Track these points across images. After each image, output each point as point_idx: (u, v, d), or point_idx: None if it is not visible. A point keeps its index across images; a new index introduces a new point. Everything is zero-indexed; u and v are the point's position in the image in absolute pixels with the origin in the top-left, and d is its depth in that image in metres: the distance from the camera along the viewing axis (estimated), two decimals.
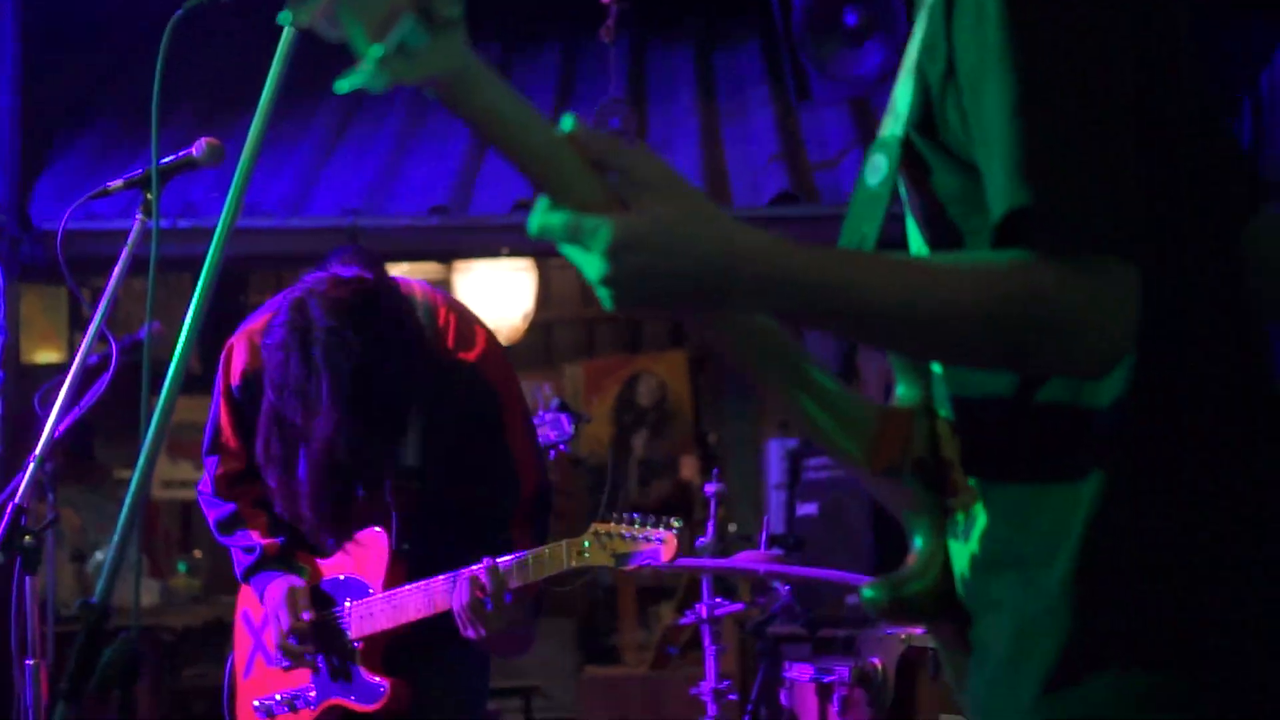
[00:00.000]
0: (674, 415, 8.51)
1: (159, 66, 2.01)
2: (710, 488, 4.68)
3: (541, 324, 8.37)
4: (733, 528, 6.59)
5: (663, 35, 7.03)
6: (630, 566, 3.08)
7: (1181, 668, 1.38)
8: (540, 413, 4.09)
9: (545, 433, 4.05)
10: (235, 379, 3.29)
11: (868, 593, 1.52)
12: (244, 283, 7.76)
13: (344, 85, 1.20)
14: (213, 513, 3.39)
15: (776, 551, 4.41)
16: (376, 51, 1.17)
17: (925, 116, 1.45)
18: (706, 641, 4.35)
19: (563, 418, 4.13)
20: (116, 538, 1.78)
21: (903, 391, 1.57)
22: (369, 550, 3.25)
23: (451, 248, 6.49)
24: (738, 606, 4.45)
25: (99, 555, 7.02)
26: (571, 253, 1.29)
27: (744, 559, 4.32)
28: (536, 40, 7.01)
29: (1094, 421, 1.40)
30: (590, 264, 1.28)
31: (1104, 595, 1.39)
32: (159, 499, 7.74)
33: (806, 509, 5.47)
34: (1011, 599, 1.44)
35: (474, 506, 3.26)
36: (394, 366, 3.08)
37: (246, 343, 3.29)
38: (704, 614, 4.31)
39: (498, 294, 7.62)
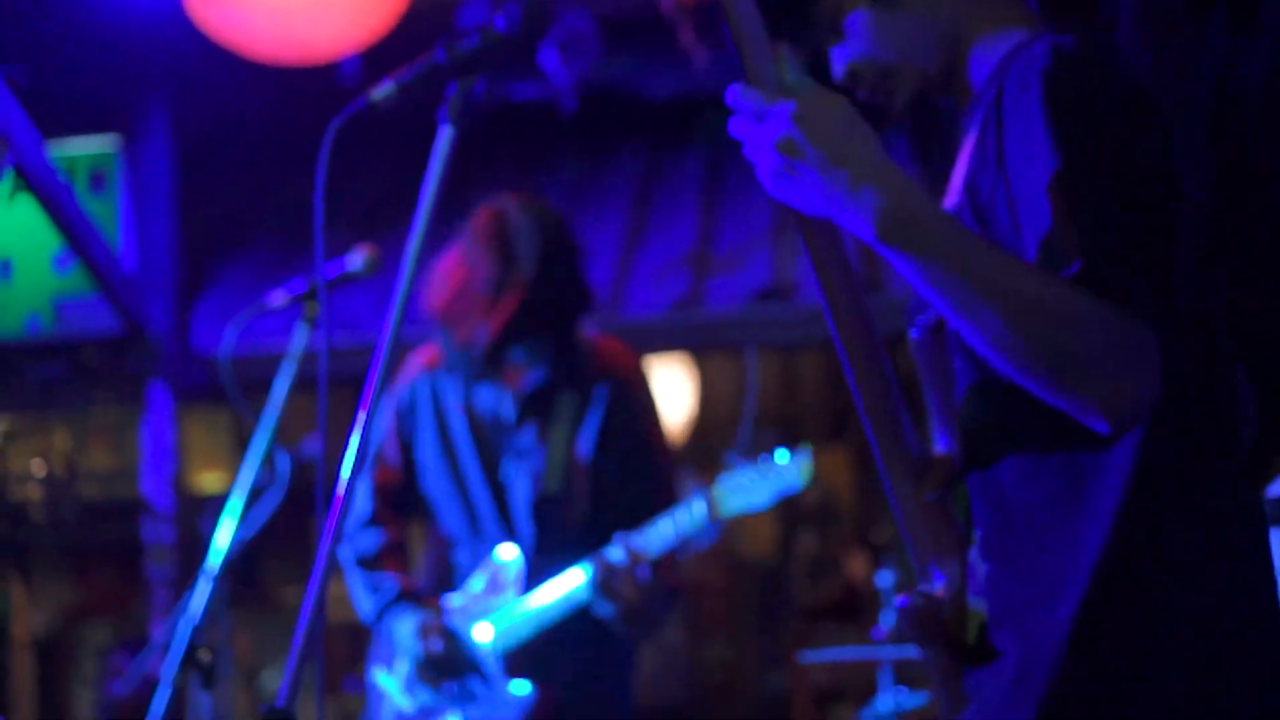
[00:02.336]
0: (838, 512, 8.36)
1: (320, 176, 1.96)
2: (882, 580, 4.59)
3: (701, 424, 8.29)
4: None
5: None
6: (775, 501, 3.14)
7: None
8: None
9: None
10: (403, 386, 3.49)
11: (907, 597, 1.66)
12: None
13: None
14: (357, 546, 3.43)
15: None
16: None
17: (972, 216, 1.61)
18: None
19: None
20: (299, 643, 1.73)
21: (944, 444, 1.75)
22: (504, 570, 3.28)
23: None
24: (920, 699, 4.31)
25: (267, 676, 7.03)
26: (750, 130, 1.55)
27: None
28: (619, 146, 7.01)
29: (1105, 480, 1.53)
30: (760, 136, 1.53)
31: (1099, 647, 1.52)
32: (329, 619, 7.75)
33: None
34: (1013, 642, 1.58)
35: (617, 519, 3.29)
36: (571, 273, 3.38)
37: (422, 357, 3.51)
38: (883, 709, 4.20)
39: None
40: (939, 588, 1.68)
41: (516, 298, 3.28)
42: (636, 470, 3.36)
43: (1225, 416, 1.60)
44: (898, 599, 1.69)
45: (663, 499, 3.29)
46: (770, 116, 1.53)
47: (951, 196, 1.70)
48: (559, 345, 3.36)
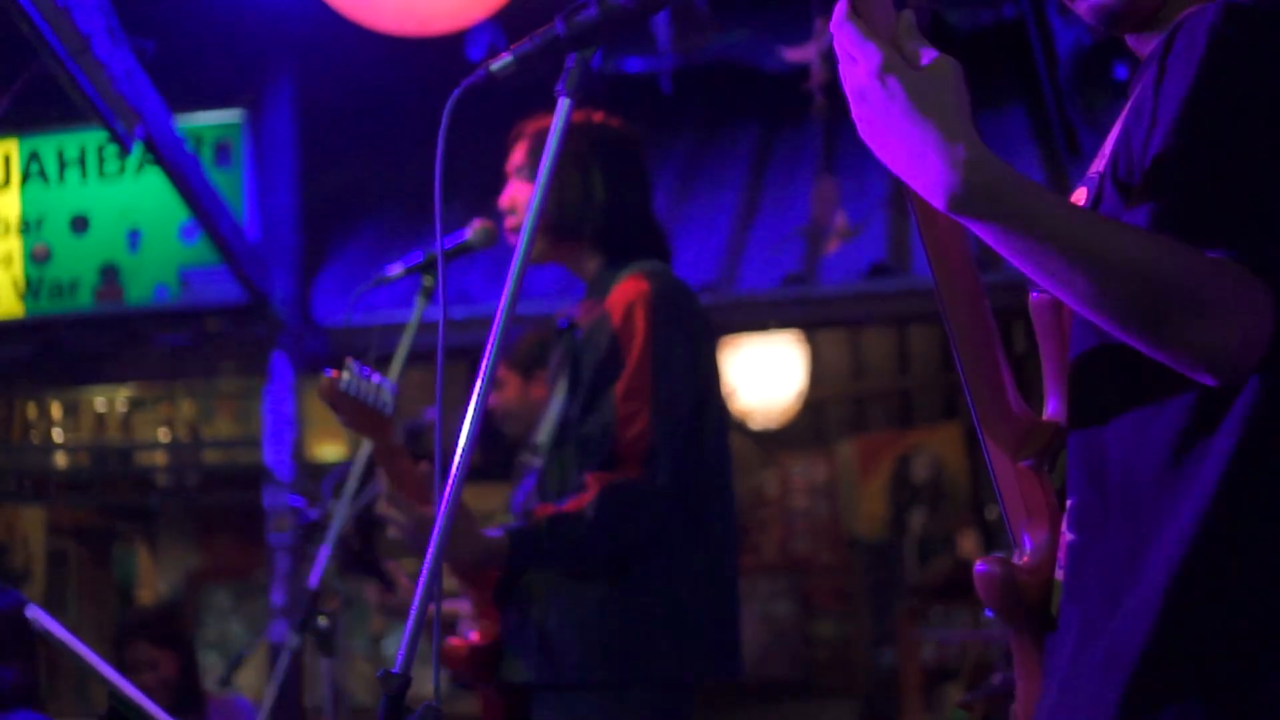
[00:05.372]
0: (950, 490, 8.31)
1: (439, 149, 1.99)
2: None
3: (813, 401, 8.27)
4: None
5: None
6: None
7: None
8: None
9: None
10: None
11: (985, 566, 1.63)
12: None
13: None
14: None
15: None
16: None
17: (1124, 169, 1.56)
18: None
19: None
20: (414, 609, 1.76)
21: (1053, 408, 1.72)
22: None
23: (720, 324, 6.45)
24: None
25: (388, 644, 7.13)
26: (846, 59, 1.54)
27: None
28: (734, 121, 6.99)
29: (1211, 451, 1.46)
30: (853, 74, 1.53)
31: (1190, 628, 1.45)
32: (446, 588, 7.82)
33: None
34: (1096, 617, 1.52)
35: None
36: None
37: None
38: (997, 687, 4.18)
39: (768, 371, 7.55)
40: (1023, 556, 1.65)
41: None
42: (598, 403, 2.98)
43: None
44: (976, 565, 1.64)
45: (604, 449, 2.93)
46: (860, 60, 1.52)
47: (1099, 160, 1.66)
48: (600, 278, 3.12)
